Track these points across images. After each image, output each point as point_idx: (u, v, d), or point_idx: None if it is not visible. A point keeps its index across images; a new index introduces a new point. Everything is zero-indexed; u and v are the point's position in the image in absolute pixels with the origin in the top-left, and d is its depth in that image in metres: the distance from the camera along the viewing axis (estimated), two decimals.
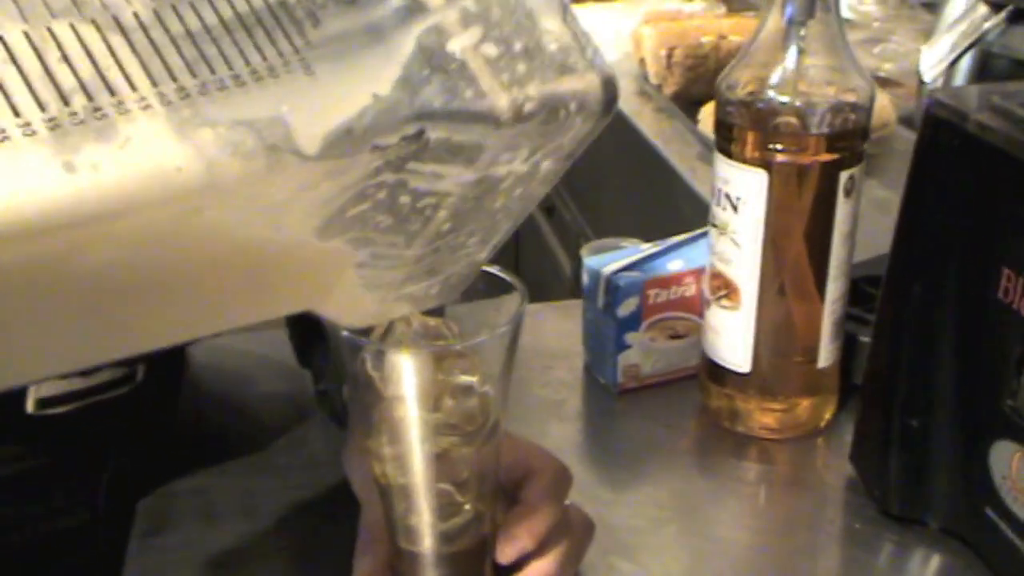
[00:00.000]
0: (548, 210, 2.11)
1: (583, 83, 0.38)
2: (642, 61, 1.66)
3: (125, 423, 0.74)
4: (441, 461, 0.52)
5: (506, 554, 0.56)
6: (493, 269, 0.53)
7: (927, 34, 1.43)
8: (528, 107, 0.37)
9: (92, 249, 0.29)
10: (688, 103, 1.53)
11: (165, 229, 0.30)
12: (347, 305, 0.43)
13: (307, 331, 0.80)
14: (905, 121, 1.43)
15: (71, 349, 0.35)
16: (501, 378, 0.52)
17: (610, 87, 0.39)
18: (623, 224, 1.62)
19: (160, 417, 0.80)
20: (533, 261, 2.13)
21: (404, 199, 0.38)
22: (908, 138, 1.40)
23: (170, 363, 0.82)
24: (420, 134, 0.35)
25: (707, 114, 1.40)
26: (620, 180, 1.70)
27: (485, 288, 0.53)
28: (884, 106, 1.34)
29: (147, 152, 0.29)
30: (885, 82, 1.54)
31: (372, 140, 0.34)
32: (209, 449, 0.79)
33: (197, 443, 0.80)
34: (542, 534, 0.57)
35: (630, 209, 1.64)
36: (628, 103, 1.62)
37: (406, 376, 0.49)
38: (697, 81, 1.54)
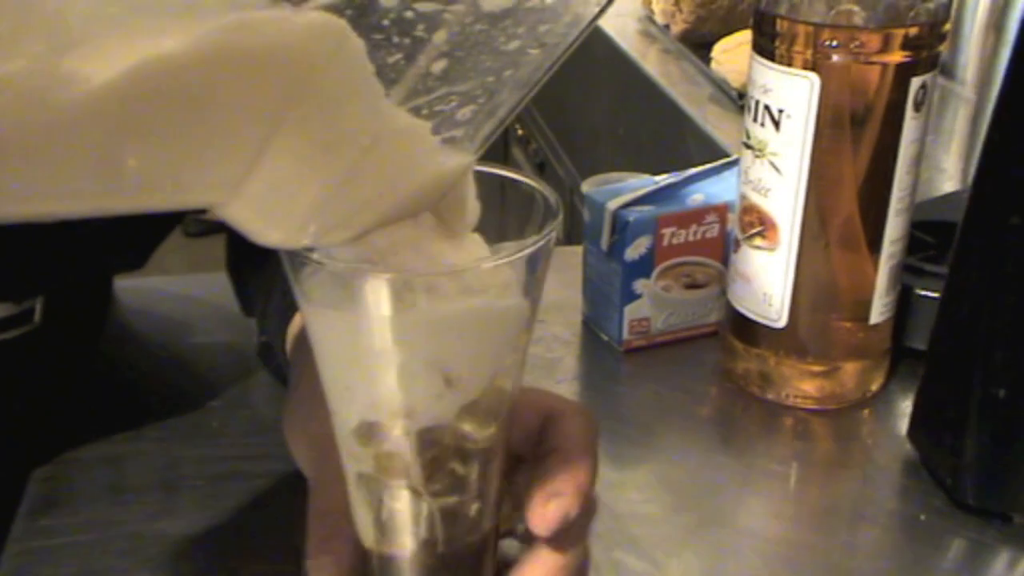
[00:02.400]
0: (539, 166, 1.99)
1: None
2: None
3: (14, 373, 0.60)
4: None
5: (546, 519, 0.40)
6: (500, 170, 0.38)
7: None
8: None
9: None
10: (697, 44, 1.40)
11: None
12: (268, 199, 0.29)
13: (250, 274, 0.67)
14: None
15: None
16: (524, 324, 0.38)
17: None
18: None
19: (66, 368, 0.67)
20: None
21: (388, 2, 0.27)
22: (945, 85, 1.28)
23: (85, 303, 0.69)
24: None
25: (721, 51, 1.27)
26: (621, 129, 1.57)
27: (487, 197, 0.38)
28: None
29: None
30: None
31: None
32: (128, 408, 0.68)
33: (114, 401, 0.68)
34: (590, 491, 0.42)
35: (633, 161, 1.51)
36: (631, 44, 1.50)
37: (389, 312, 0.35)
38: (708, 19, 1.41)
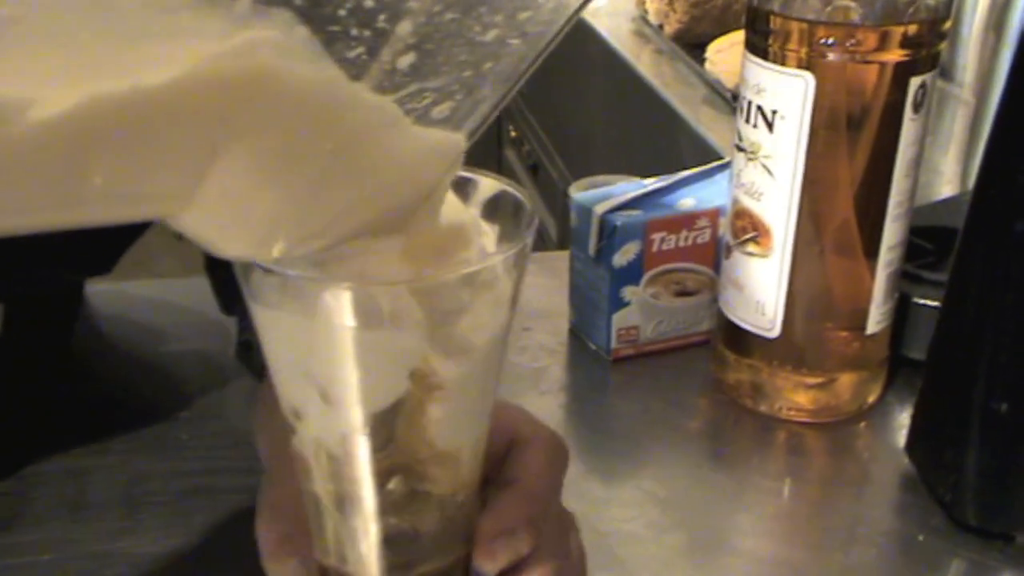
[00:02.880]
0: (532, 168, 1.97)
1: None
2: None
3: None
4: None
5: (494, 558, 0.39)
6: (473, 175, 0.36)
7: None
8: None
9: None
10: (691, 45, 1.38)
11: None
12: (222, 210, 0.27)
13: (229, 272, 0.64)
14: None
15: None
16: (498, 333, 0.36)
17: None
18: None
19: (30, 378, 0.64)
20: None
21: None
22: (942, 87, 1.26)
23: (51, 311, 0.66)
24: None
25: (715, 51, 1.25)
26: (614, 131, 1.55)
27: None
28: None
29: None
30: None
31: None
32: (94, 419, 0.65)
33: (80, 411, 0.65)
34: (541, 531, 0.41)
35: (626, 164, 1.49)
36: (625, 44, 1.47)
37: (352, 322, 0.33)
38: (703, 19, 1.39)
